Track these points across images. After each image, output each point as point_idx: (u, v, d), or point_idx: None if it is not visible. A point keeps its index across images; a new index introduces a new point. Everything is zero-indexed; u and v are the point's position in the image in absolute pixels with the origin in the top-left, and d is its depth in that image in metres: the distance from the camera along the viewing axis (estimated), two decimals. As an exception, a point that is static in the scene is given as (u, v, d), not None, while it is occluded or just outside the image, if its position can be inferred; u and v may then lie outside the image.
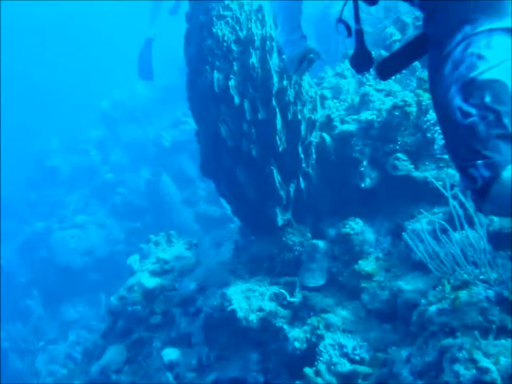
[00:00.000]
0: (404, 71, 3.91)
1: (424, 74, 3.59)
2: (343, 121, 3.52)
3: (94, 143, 12.79)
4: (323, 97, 3.91)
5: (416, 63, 3.80)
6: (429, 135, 3.23)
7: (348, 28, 1.88)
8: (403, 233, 2.94)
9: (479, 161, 1.26)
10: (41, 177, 12.61)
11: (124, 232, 10.46)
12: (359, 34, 1.90)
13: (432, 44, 1.47)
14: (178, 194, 10.11)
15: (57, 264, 9.86)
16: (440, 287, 2.50)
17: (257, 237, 3.57)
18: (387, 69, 1.94)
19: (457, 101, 1.31)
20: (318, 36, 9.82)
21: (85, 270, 9.97)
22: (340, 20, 1.93)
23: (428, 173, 3.10)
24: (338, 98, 3.90)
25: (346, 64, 4.26)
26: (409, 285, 2.81)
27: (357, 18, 1.85)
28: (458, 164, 1.34)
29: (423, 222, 2.87)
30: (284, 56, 2.09)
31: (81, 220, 10.50)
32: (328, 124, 3.50)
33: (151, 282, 3.86)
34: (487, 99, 1.26)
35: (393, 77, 3.90)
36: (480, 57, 1.28)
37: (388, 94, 3.71)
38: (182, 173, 10.69)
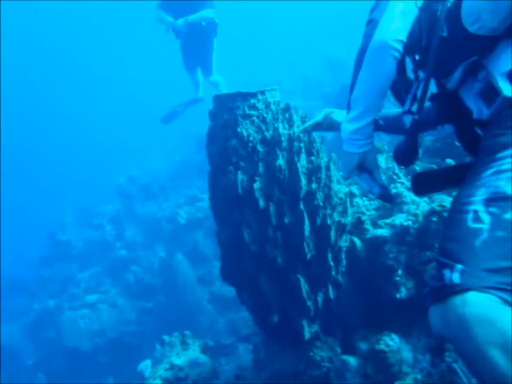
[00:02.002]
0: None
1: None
2: (374, 224, 3.28)
3: (109, 217, 12.69)
4: (352, 195, 3.70)
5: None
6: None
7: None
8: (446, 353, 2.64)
9: (460, 266, 1.18)
10: (54, 252, 12.44)
11: (135, 312, 10.15)
12: (416, 126, 1.68)
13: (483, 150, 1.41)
14: (192, 273, 9.83)
15: (65, 346, 9.53)
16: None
17: (280, 348, 3.26)
18: (424, 186, 1.76)
19: (477, 203, 1.26)
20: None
21: (94, 352, 9.61)
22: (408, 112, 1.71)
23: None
24: (368, 196, 3.68)
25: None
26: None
27: (421, 107, 1.64)
28: (439, 258, 1.27)
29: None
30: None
31: (92, 299, 10.23)
32: (358, 226, 3.27)
33: (163, 393, 3.53)
34: (508, 216, 1.19)
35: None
36: None
37: (421, 193, 3.48)
38: (197, 250, 10.47)
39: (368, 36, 1.61)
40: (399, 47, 1.56)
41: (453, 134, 1.80)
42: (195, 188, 11.39)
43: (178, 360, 3.79)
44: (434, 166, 3.77)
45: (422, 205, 3.31)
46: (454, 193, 1.63)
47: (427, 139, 4.20)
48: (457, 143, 3.81)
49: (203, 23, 7.34)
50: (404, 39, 1.56)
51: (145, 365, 3.99)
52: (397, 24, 1.57)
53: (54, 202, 16.66)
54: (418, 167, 3.81)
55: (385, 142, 4.48)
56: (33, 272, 12.29)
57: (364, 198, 3.68)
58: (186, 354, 3.90)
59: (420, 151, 4.06)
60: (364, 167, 1.82)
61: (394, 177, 3.74)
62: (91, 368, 9.44)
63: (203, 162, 12.10)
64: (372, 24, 1.62)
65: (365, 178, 1.84)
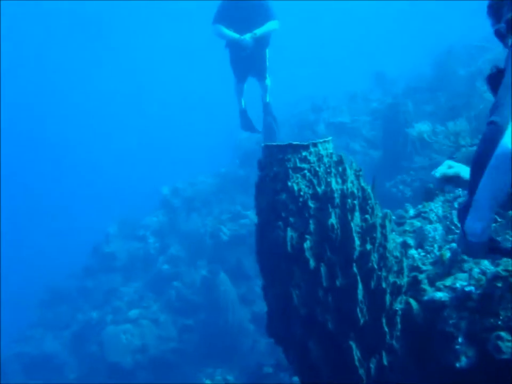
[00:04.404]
0: (500, 220, 3.46)
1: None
2: (432, 284, 3.06)
3: (152, 230, 12.74)
4: (406, 245, 3.50)
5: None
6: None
7: None
8: None
9: None
10: (98, 263, 12.57)
11: (176, 329, 10.14)
12: None
13: None
14: (234, 292, 9.74)
15: (107, 361, 9.59)
16: None
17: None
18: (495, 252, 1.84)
19: None
20: (385, 133, 9.54)
21: (135, 369, 9.63)
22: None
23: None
24: (423, 247, 3.47)
25: (430, 204, 3.85)
26: None
27: None
28: None
29: None
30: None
31: (135, 314, 10.28)
32: (415, 286, 3.06)
33: None
34: None
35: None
36: None
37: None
38: (239, 268, 10.38)
39: (490, 141, 1.57)
40: None
41: None
42: (238, 204, 11.31)
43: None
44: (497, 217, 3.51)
45: (484, 263, 3.07)
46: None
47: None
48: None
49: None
50: None
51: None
52: None
53: (99, 213, 16.91)
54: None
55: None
56: (77, 282, 12.44)
57: (419, 250, 3.46)
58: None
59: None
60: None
61: (453, 227, 3.51)
62: (132, 385, 9.47)
63: (247, 177, 12.03)
64: (494, 127, 1.56)
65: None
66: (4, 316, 14.02)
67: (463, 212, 1.83)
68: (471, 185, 1.73)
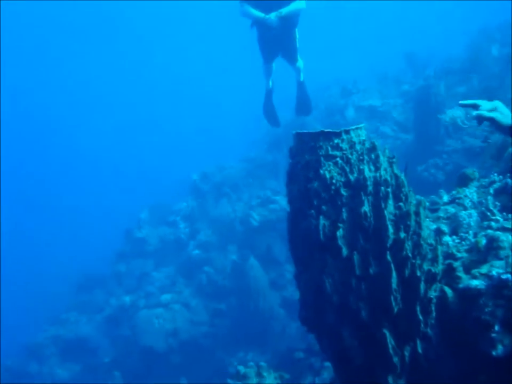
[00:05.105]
0: None
1: None
2: (467, 271, 3.02)
3: (183, 215, 12.84)
4: (440, 232, 3.44)
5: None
6: None
7: None
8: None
9: None
10: (130, 248, 12.75)
11: (207, 313, 10.26)
12: None
13: None
14: (265, 278, 9.79)
15: (140, 345, 9.77)
16: None
17: (362, 399, 3.08)
18: None
19: None
20: (417, 116, 9.36)
21: (168, 352, 9.79)
22: None
23: None
24: (458, 234, 3.41)
25: (464, 190, 3.78)
26: None
27: None
28: None
29: None
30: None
31: (166, 299, 10.42)
32: (449, 273, 3.02)
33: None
34: None
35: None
36: None
37: (520, 234, 3.18)
38: (270, 254, 10.41)
39: None
40: None
41: None
42: (268, 189, 11.31)
43: (254, 397, 3.69)
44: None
45: (521, 250, 3.01)
46: None
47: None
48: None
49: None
50: None
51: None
52: None
53: (132, 200, 17.15)
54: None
55: (475, 169, 4.15)
56: (110, 268, 12.66)
57: (454, 237, 3.41)
58: (263, 390, 3.79)
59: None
60: None
61: (488, 213, 3.44)
62: (165, 369, 9.65)
63: (275, 162, 12.01)
64: None
65: None
66: (42, 301, 14.40)
67: None
68: None
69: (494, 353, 2.82)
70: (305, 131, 2.98)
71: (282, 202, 10.50)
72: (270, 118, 8.33)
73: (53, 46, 34.57)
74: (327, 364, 5.75)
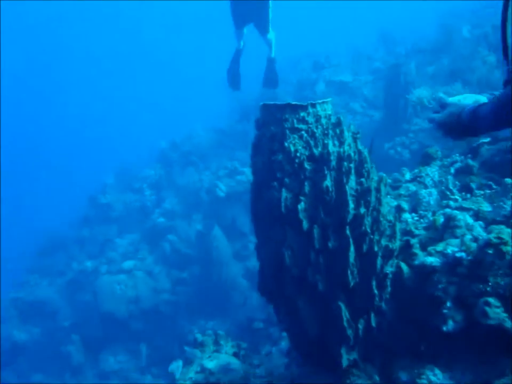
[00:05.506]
0: (495, 187, 3.46)
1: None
2: (424, 248, 3.08)
3: (149, 182, 12.71)
4: (400, 209, 3.50)
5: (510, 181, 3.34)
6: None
7: None
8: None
9: None
10: (94, 213, 12.59)
11: (170, 281, 10.26)
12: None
13: None
14: (229, 248, 9.82)
15: (101, 310, 9.73)
16: None
17: (315, 369, 3.15)
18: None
19: None
20: (387, 93, 9.41)
21: (129, 319, 9.78)
22: None
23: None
24: (417, 212, 3.47)
25: (426, 169, 3.84)
26: None
27: None
28: None
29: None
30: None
31: (129, 265, 10.37)
32: (406, 250, 3.08)
33: (193, 398, 3.49)
34: None
35: (482, 193, 3.46)
36: None
37: (476, 214, 3.25)
38: (235, 225, 10.43)
39: None
40: None
41: None
42: (236, 160, 11.25)
43: (210, 364, 3.73)
44: (492, 184, 3.51)
45: (477, 230, 3.09)
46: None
47: (485, 149, 3.92)
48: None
49: None
50: None
51: (176, 366, 3.95)
52: None
53: (99, 166, 16.88)
54: (474, 183, 3.56)
55: (439, 148, 4.21)
56: (74, 232, 12.49)
57: (413, 214, 3.47)
58: (219, 357, 3.83)
59: (476, 164, 3.79)
60: None
61: (448, 193, 3.50)
62: (125, 334, 9.65)
63: (245, 133, 11.93)
64: None
65: None
66: (2, 262, 14.15)
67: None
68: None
69: (444, 328, 2.91)
70: (272, 102, 2.96)
71: (250, 173, 10.48)
72: (232, 79, 8.00)
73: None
74: (285, 334, 5.84)
